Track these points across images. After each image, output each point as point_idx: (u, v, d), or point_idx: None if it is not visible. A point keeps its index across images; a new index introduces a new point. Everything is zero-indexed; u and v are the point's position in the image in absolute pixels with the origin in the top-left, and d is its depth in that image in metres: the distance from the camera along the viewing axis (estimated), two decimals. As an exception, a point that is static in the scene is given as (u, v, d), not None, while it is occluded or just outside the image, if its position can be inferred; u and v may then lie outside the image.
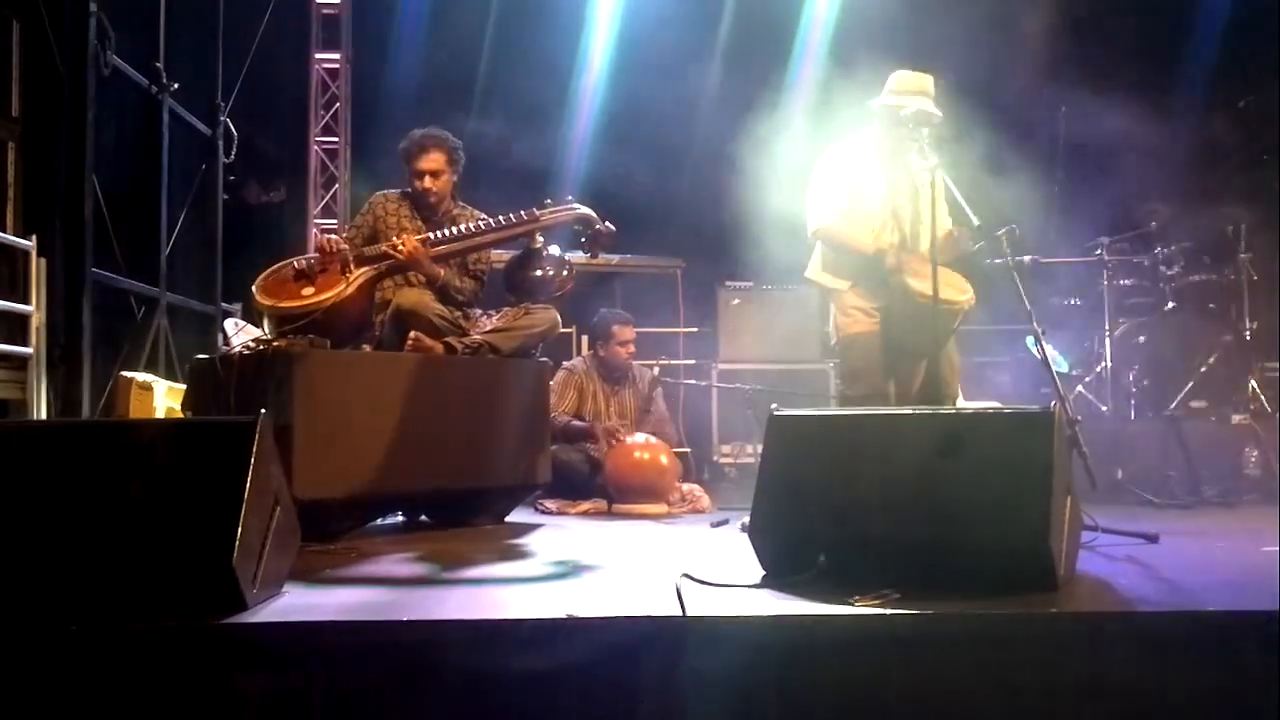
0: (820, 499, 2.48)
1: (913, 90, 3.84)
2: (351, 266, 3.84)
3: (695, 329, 6.32)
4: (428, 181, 4.03)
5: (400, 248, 3.86)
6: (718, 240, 6.66)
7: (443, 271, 3.99)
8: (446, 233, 3.94)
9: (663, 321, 6.15)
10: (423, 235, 3.94)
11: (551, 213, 4.04)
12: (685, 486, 4.62)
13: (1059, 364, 5.51)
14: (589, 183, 6.12)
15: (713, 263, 6.62)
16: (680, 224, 6.55)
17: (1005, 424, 2.42)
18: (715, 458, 6.20)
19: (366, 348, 3.85)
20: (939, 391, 3.58)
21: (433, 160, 4.03)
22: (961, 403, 4.16)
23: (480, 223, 4.00)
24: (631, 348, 5.01)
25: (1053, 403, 2.42)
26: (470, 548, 3.32)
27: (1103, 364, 5.48)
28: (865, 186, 3.89)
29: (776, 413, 2.63)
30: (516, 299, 4.08)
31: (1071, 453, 2.83)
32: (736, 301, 6.41)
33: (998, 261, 3.81)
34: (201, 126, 6.22)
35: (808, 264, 4.07)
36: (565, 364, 4.93)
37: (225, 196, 6.50)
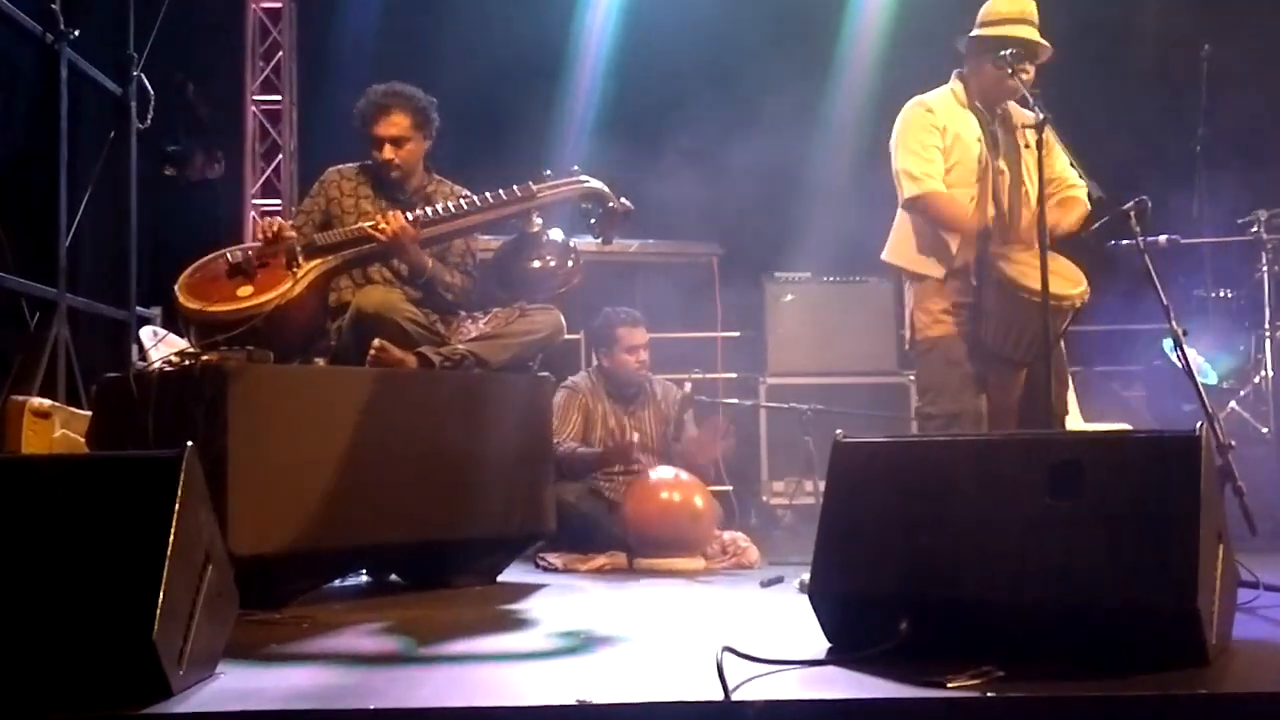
0: (899, 549, 2.47)
1: (1012, 17, 3.84)
2: (300, 259, 3.87)
3: (736, 333, 6.32)
4: (388, 151, 4.06)
5: (382, 228, 3.88)
6: (764, 220, 6.69)
7: (430, 261, 4.01)
8: (438, 210, 3.96)
9: (695, 324, 6.16)
10: (410, 214, 3.94)
11: (552, 187, 4.05)
12: (726, 535, 4.62)
13: (1205, 375, 5.47)
14: (598, 150, 6.15)
15: (758, 248, 6.64)
16: (716, 199, 6.56)
17: (1136, 452, 2.41)
18: (764, 498, 6.20)
19: (320, 361, 3.88)
20: (1046, 410, 3.56)
21: (394, 124, 4.06)
22: (1076, 424, 4.14)
23: (463, 201, 4.03)
24: (643, 354, 5.01)
25: (1199, 424, 2.40)
26: (454, 616, 3.32)
27: (1262, 374, 5.43)
28: (958, 148, 3.90)
29: (841, 440, 2.63)
30: (509, 297, 4.10)
31: (1224, 488, 2.81)
32: (789, 298, 6.42)
33: (1124, 243, 3.80)
34: (110, 83, 6.28)
35: (886, 244, 4.07)
36: (565, 382, 4.94)
37: (171, 172, 6.57)
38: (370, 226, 3.91)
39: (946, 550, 2.43)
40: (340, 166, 4.19)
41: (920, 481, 2.52)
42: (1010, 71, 3.71)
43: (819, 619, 2.53)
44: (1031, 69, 3.81)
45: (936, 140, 3.90)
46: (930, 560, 2.44)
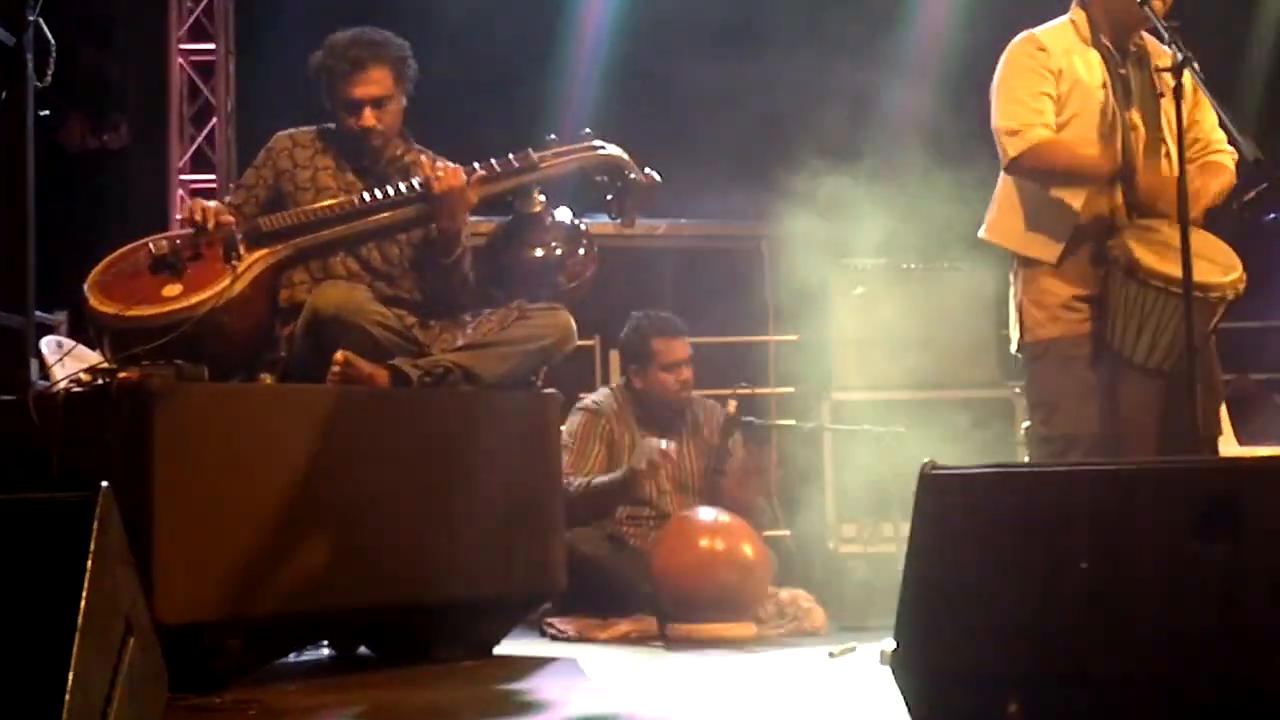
0: (1006, 611, 2.46)
1: None
2: (240, 249, 3.89)
3: (793, 337, 6.31)
4: (369, 117, 4.08)
5: (439, 175, 3.90)
6: (826, 190, 6.66)
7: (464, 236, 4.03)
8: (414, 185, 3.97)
9: (740, 326, 6.15)
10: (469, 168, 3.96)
11: (558, 155, 4.07)
12: (784, 593, 4.61)
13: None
14: (613, 108, 6.15)
15: (820, 227, 6.62)
16: (766, 167, 6.55)
17: (1310, 482, 2.38)
18: (831, 545, 6.16)
19: (267, 377, 3.89)
20: (1193, 432, 3.54)
21: (374, 82, 4.08)
22: (1230, 448, 4.11)
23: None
24: (686, 373, 5.01)
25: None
26: (437, 699, 3.32)
27: None
28: (1077, 95, 3.88)
29: (930, 471, 2.62)
30: (504, 295, 4.11)
31: None
32: (860, 290, 6.39)
33: (1286, 218, 3.77)
34: (1, 33, 6.32)
35: (986, 216, 4.05)
36: (584, 402, 4.94)
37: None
38: (424, 178, 3.90)
39: (1066, 612, 2.41)
40: (292, 131, 4.22)
41: (1032, 524, 2.51)
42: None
43: (905, 701, 2.51)
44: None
45: (1048, 86, 3.87)
46: (1046, 625, 2.42)
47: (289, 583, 3.50)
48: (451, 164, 3.99)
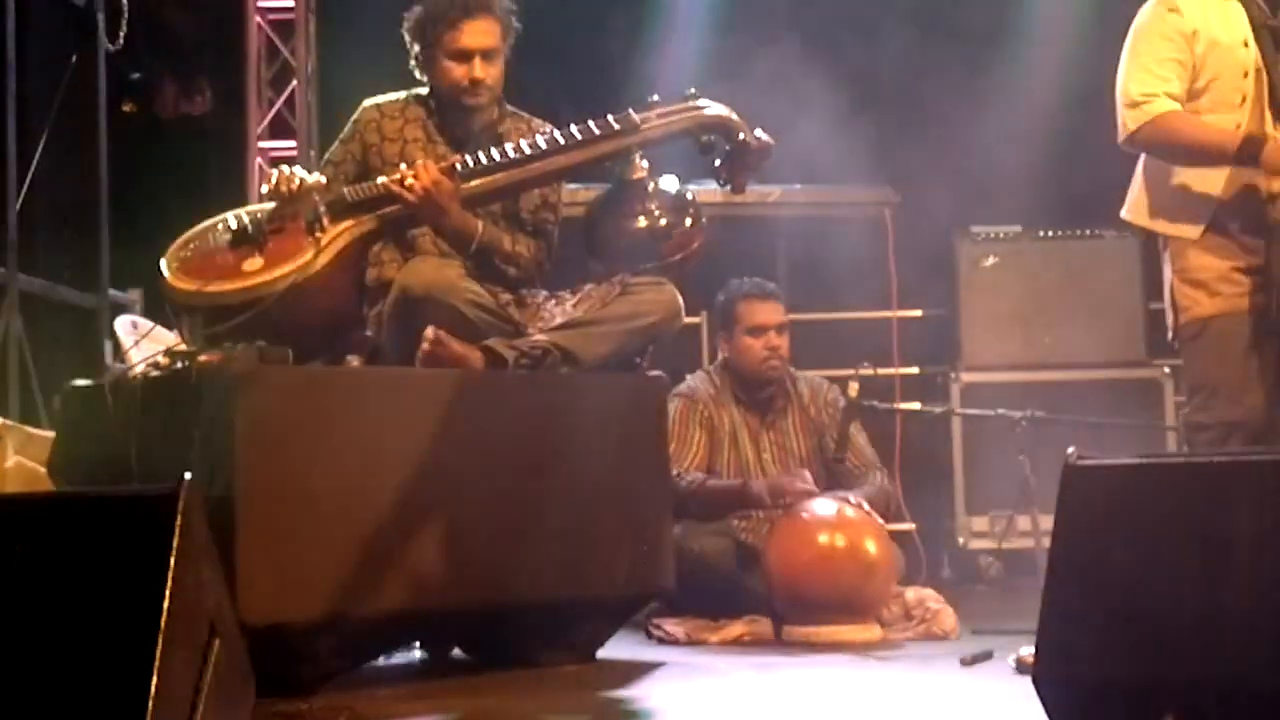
0: (1161, 615, 2.43)
1: None
2: (324, 221, 3.93)
3: (918, 312, 6.28)
4: (478, 69, 4.10)
5: (410, 183, 3.93)
6: (956, 154, 6.62)
7: (480, 225, 4.05)
8: (489, 157, 3.99)
9: (861, 301, 6.14)
10: (447, 162, 4.00)
11: (662, 116, 4.06)
12: (910, 593, 4.58)
13: None
14: (720, 65, 6.11)
15: (948, 193, 6.57)
16: (888, 127, 6.51)
17: None
18: (961, 540, 6.15)
19: (354, 360, 3.92)
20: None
21: (487, 33, 4.10)
22: None
23: (540, 140, 4.06)
24: (775, 339, 4.98)
25: None
26: (537, 706, 3.35)
27: None
28: (1214, 57, 3.80)
29: (1075, 461, 2.58)
30: (605, 269, 4.12)
31: None
32: (992, 261, 6.37)
33: None
34: (70, -7, 6.42)
35: (1127, 196, 4.00)
36: (679, 388, 4.94)
37: (130, 108, 6.70)
38: (391, 182, 3.94)
39: (1229, 618, 2.38)
40: (379, 100, 4.25)
41: (1189, 519, 2.47)
42: None
43: (1047, 713, 2.49)
44: None
45: (1179, 51, 3.80)
46: (1205, 632, 2.38)
47: (379, 581, 3.52)
48: (426, 163, 3.95)
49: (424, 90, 4.22)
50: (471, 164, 3.99)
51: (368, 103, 4.26)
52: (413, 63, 4.21)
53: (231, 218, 3.98)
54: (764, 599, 4.51)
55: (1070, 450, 2.62)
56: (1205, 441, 3.76)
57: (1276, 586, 2.38)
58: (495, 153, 3.99)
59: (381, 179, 4.01)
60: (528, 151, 4.01)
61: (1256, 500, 2.45)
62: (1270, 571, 2.39)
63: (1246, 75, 3.79)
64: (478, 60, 4.09)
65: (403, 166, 4.01)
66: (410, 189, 3.92)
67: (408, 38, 4.19)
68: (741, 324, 4.98)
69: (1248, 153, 3.69)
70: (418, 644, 4.06)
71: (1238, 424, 3.71)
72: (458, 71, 4.10)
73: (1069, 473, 2.59)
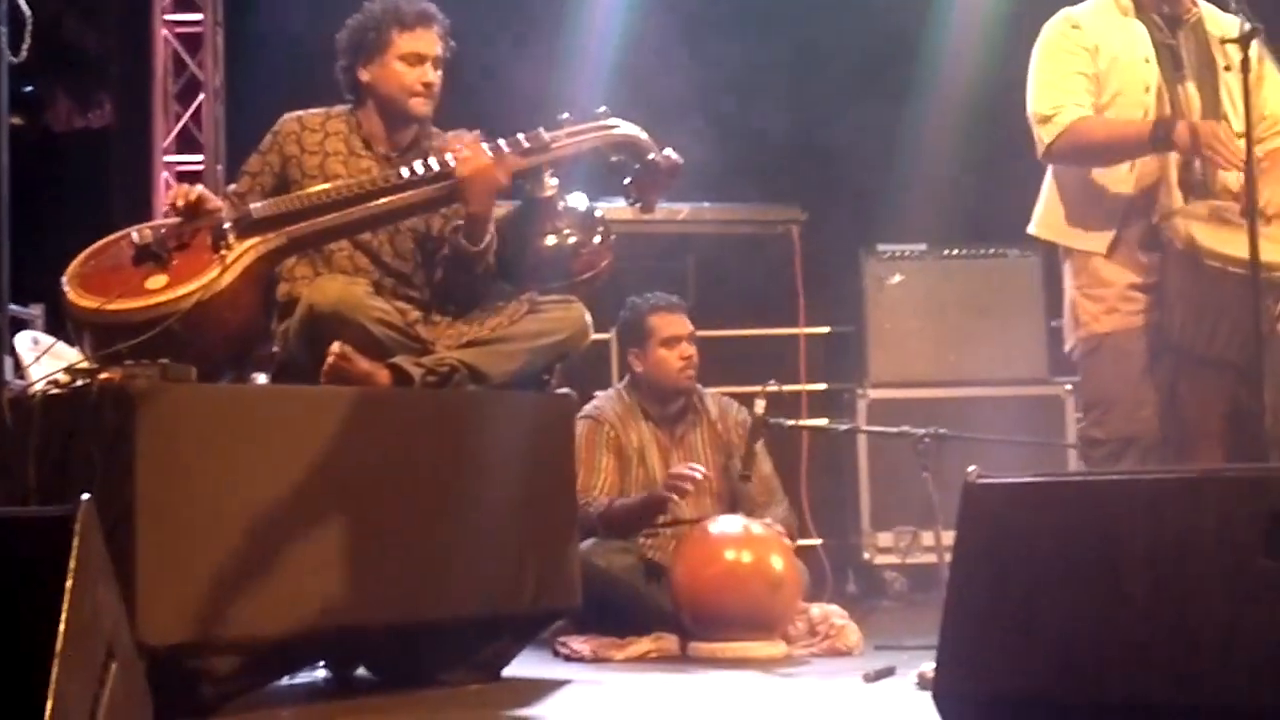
0: (1058, 632, 2.45)
1: None
2: (230, 238, 3.89)
3: (825, 329, 6.31)
4: (429, 73, 4.09)
5: (464, 156, 3.89)
6: (862, 172, 6.67)
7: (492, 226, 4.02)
8: (413, 170, 3.96)
9: (769, 318, 6.16)
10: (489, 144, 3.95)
11: (571, 135, 4.06)
12: (815, 609, 4.60)
13: None
14: (631, 84, 6.14)
15: (854, 211, 6.62)
16: (796, 146, 6.55)
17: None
18: (866, 556, 6.18)
19: (260, 377, 3.89)
20: (1260, 430, 3.53)
21: (437, 40, 4.11)
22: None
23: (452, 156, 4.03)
24: (689, 349, 4.99)
25: None
26: (443, 724, 3.32)
27: None
28: (1117, 73, 3.87)
29: (975, 480, 2.61)
30: (514, 286, 4.11)
31: None
32: (897, 279, 6.41)
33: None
34: (-29, 4, 6.33)
35: (1034, 211, 4.05)
36: (584, 410, 4.93)
37: (18, 122, 6.60)
38: (446, 159, 3.88)
39: (1124, 634, 2.41)
40: (300, 114, 4.20)
41: (1085, 538, 2.50)
42: None
43: (946, 728, 2.51)
44: None
45: (1084, 65, 3.87)
46: (1101, 649, 2.41)
47: (283, 600, 3.49)
48: (474, 141, 3.97)
49: (347, 106, 4.19)
50: (383, 181, 3.97)
51: (288, 115, 4.21)
52: (341, 72, 4.17)
53: (135, 233, 3.92)
54: (670, 616, 4.51)
55: (970, 469, 2.65)
56: (1100, 457, 3.81)
57: (1170, 603, 2.42)
58: (410, 170, 3.97)
59: (320, 189, 3.97)
60: (436, 169, 3.99)
61: (1151, 518, 2.48)
62: (1164, 588, 2.43)
63: (1148, 90, 3.86)
64: (429, 65, 4.09)
65: (322, 179, 4.01)
66: (466, 160, 3.90)
67: (347, 42, 4.15)
68: (655, 336, 4.98)
69: (1160, 135, 3.75)
70: (321, 663, 4.03)
71: (1131, 439, 3.76)
72: (410, 75, 4.08)
73: (968, 491, 2.61)
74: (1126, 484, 2.64)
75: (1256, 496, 2.42)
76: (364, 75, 4.13)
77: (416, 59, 4.08)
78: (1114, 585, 2.45)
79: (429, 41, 4.09)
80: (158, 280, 3.81)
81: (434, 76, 4.09)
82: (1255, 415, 3.48)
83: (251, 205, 3.97)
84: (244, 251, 3.88)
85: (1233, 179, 3.77)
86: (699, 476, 4.67)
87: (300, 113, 4.20)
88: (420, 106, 4.10)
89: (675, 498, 4.69)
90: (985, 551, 2.57)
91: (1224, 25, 3.83)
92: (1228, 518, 2.41)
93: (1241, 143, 3.61)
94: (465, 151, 3.92)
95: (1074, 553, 2.50)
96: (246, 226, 3.92)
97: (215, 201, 3.96)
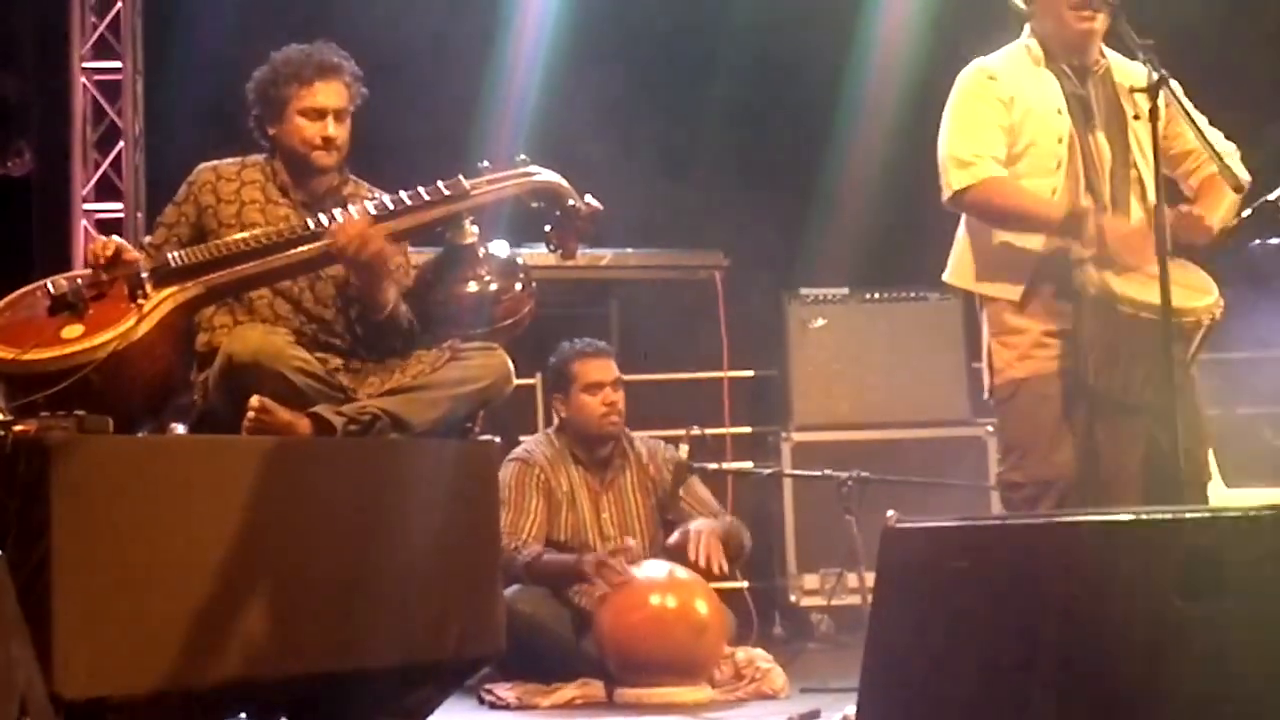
0: (974, 676, 2.47)
1: None
2: (147, 288, 3.86)
3: (749, 373, 6.33)
4: (330, 127, 4.07)
5: (335, 228, 3.86)
6: (783, 218, 6.71)
7: (394, 292, 4.00)
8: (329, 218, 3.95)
9: (692, 362, 6.17)
10: (365, 213, 3.92)
11: (491, 182, 4.06)
12: (740, 653, 4.60)
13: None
14: (551, 133, 6.15)
15: (776, 257, 6.66)
16: (717, 192, 6.59)
17: (1295, 534, 2.40)
18: (792, 598, 6.18)
19: (179, 428, 3.85)
20: (1175, 473, 3.57)
21: (338, 94, 4.09)
22: (1219, 493, 4.13)
23: (373, 205, 4.03)
24: (612, 395, 5.00)
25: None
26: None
27: None
28: (1031, 123, 3.92)
29: (893, 525, 2.62)
30: (436, 334, 4.10)
31: None
32: (820, 323, 6.44)
33: (1272, 244, 3.81)
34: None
35: (949, 258, 4.09)
36: (514, 453, 4.93)
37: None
38: (322, 230, 3.86)
39: (1042, 676, 2.42)
40: (215, 163, 4.19)
41: (1003, 581, 2.52)
42: (1109, 10, 3.74)
43: (869, 773, 2.52)
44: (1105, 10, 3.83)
45: (1000, 117, 3.91)
46: (1020, 690, 2.42)
47: (205, 652, 3.45)
48: (350, 213, 3.93)
49: (262, 155, 4.18)
50: (300, 230, 3.96)
51: (203, 165, 4.20)
52: (253, 124, 4.17)
53: (51, 284, 3.90)
54: (596, 661, 4.50)
55: (889, 514, 2.66)
56: (1019, 500, 3.84)
57: (1088, 647, 2.44)
58: (331, 217, 3.95)
59: (236, 238, 3.95)
60: (356, 218, 3.98)
61: (1066, 563, 2.51)
62: (1081, 632, 2.45)
63: (1061, 141, 3.90)
64: (331, 120, 4.07)
65: (240, 228, 3.99)
66: (337, 233, 3.87)
67: (253, 95, 4.15)
68: (578, 382, 4.99)
69: (1070, 225, 3.80)
70: (243, 714, 3.98)
71: (1049, 483, 3.79)
72: (310, 129, 4.07)
73: (887, 536, 2.63)
74: (1043, 528, 2.67)
75: (1170, 539, 2.45)
76: (270, 129, 4.13)
77: (316, 114, 4.06)
78: (1032, 629, 2.46)
79: (330, 94, 4.07)
80: (73, 330, 3.79)
81: (335, 129, 4.07)
82: (1171, 458, 3.53)
83: (169, 254, 3.95)
84: (161, 301, 3.86)
85: (1139, 215, 3.83)
86: (627, 572, 4.59)
87: (216, 162, 4.19)
88: (322, 159, 4.09)
89: (601, 583, 4.60)
90: (904, 596, 2.58)
91: (1131, 74, 3.89)
92: (1143, 561, 2.44)
93: (1148, 243, 3.64)
94: (334, 225, 3.89)
95: (992, 597, 2.52)
96: (164, 276, 3.90)
97: (132, 252, 3.93)
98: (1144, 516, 2.57)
